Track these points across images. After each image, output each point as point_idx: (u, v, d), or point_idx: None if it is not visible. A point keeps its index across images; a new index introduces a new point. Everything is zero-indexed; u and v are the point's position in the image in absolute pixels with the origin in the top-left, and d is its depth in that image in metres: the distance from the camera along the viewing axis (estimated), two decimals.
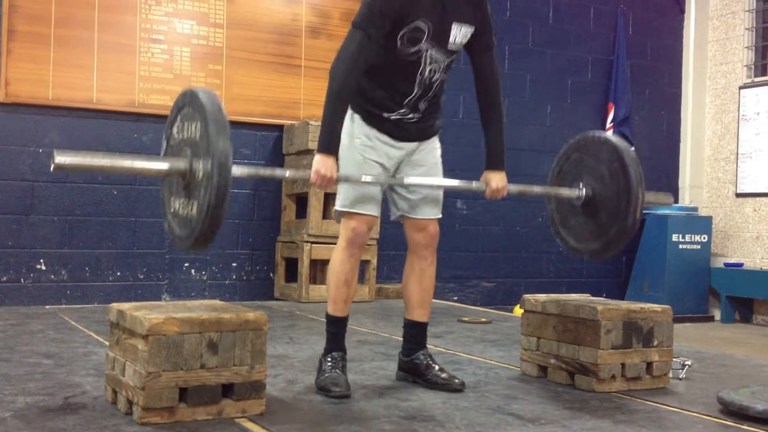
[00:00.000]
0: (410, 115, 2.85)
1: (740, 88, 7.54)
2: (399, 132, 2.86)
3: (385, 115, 2.83)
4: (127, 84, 5.52)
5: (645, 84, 7.70)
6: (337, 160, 2.68)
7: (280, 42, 6.02)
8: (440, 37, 2.76)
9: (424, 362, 2.97)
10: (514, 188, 3.02)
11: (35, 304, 5.24)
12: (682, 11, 7.87)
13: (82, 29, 5.38)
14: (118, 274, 5.52)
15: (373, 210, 2.86)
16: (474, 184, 2.96)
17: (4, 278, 5.21)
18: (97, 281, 5.46)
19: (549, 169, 7.34)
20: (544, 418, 2.55)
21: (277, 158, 5.99)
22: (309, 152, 5.61)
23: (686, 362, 3.27)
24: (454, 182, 3.04)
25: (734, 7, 7.64)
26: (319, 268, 5.77)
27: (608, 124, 7.36)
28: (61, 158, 2.24)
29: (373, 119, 2.84)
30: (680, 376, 3.21)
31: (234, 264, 5.87)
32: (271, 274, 6.01)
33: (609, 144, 2.99)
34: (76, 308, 5.15)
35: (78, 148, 5.39)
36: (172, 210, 2.50)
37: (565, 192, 3.04)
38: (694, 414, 2.66)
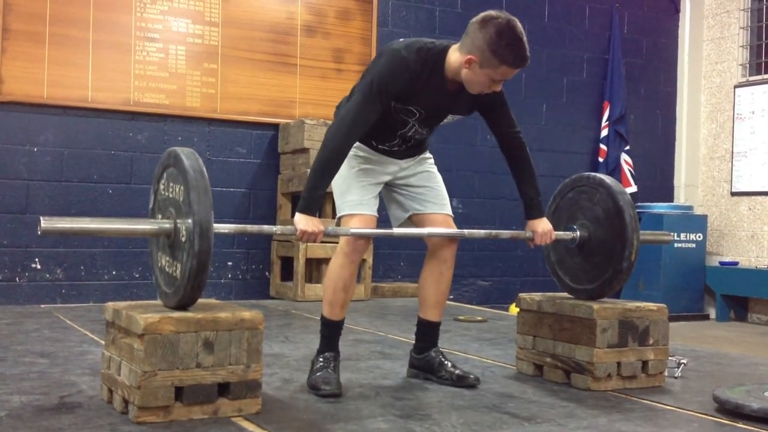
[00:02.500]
0: (395, 148, 2.94)
1: (735, 87, 7.55)
2: (389, 153, 2.94)
3: (374, 143, 2.92)
4: (122, 82, 5.51)
5: (640, 83, 7.72)
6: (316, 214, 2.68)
7: (276, 40, 6.02)
8: (430, 122, 2.88)
9: (437, 359, 3.02)
10: (507, 233, 3.17)
11: (30, 303, 5.23)
12: (677, 10, 7.88)
13: (77, 28, 5.37)
14: (114, 273, 5.51)
15: (371, 210, 2.89)
16: (521, 234, 3.04)
17: None
18: (93, 280, 5.45)
19: (544, 168, 7.38)
20: (540, 416, 2.55)
21: (272, 157, 5.99)
22: (304, 151, 5.61)
23: (682, 361, 3.27)
24: (504, 233, 3.21)
25: (729, 6, 7.65)
26: (314, 266, 5.77)
27: (603, 123, 7.37)
28: (48, 224, 2.25)
29: (363, 143, 2.92)
30: (676, 375, 3.21)
31: (229, 263, 5.86)
32: (267, 273, 6.00)
33: (604, 186, 3.06)
34: (71, 307, 5.14)
35: (73, 147, 5.40)
36: (159, 265, 2.57)
37: (560, 234, 3.10)
38: (690, 412, 2.67)
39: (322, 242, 2.70)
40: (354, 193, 2.87)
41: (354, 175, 2.89)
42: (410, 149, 2.96)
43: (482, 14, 2.67)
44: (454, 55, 2.72)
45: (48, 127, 5.34)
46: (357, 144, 2.88)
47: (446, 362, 3.01)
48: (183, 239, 2.34)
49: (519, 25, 2.66)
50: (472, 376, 2.96)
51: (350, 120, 2.68)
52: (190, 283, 2.33)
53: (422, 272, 3.04)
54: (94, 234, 2.62)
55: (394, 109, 2.77)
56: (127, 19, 5.53)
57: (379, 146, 2.91)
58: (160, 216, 2.54)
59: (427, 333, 3.06)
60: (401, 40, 2.82)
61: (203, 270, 2.31)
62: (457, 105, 2.85)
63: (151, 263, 2.66)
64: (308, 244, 5.58)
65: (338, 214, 2.91)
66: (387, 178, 2.97)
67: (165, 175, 2.51)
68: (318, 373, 2.80)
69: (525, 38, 2.65)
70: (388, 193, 3.05)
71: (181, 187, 2.37)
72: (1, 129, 5.22)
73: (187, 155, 2.39)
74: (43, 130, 5.33)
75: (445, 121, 2.92)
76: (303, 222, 2.60)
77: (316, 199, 2.64)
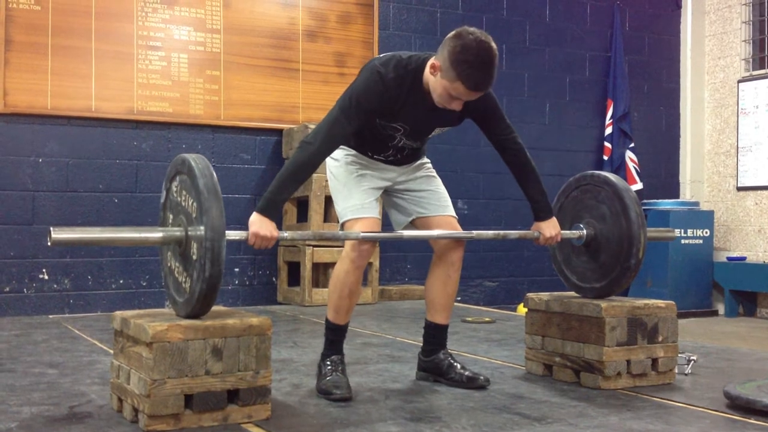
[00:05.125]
0: (391, 158, 2.94)
1: (738, 81, 7.53)
2: (386, 162, 2.95)
3: (369, 153, 2.93)
4: (125, 92, 5.52)
5: (643, 80, 7.70)
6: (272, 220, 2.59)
7: (278, 46, 6.02)
8: (417, 135, 2.87)
9: (446, 361, 3.02)
10: (515, 234, 3.18)
11: (38, 314, 5.24)
12: (679, 6, 7.87)
13: (80, 38, 5.39)
14: (121, 281, 5.52)
15: (375, 213, 2.89)
16: (528, 234, 3.04)
17: (7, 288, 5.21)
18: (100, 289, 5.46)
19: (548, 168, 7.38)
20: (550, 416, 2.54)
21: (277, 162, 5.99)
22: None
23: (691, 357, 3.26)
24: (512, 233, 3.20)
25: (731, 1, 7.63)
26: (321, 271, 5.77)
27: (607, 121, 7.36)
28: (58, 235, 2.25)
29: (360, 153, 2.93)
30: (686, 372, 3.21)
31: (236, 269, 5.86)
32: (274, 279, 6.01)
33: (609, 184, 3.06)
34: (79, 317, 5.15)
35: (78, 157, 5.41)
36: (169, 266, 2.57)
37: (566, 234, 3.10)
38: (701, 409, 2.66)
39: (330, 246, 2.69)
40: (355, 198, 2.86)
41: (354, 180, 2.89)
42: (407, 158, 2.97)
43: (463, 27, 2.62)
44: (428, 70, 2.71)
45: (52, 137, 5.35)
46: (354, 153, 2.91)
47: (455, 364, 3.01)
48: (194, 257, 2.34)
49: (493, 50, 2.56)
50: (482, 377, 2.96)
51: (325, 131, 2.66)
52: (200, 303, 2.35)
53: (429, 275, 3.04)
54: (104, 244, 2.62)
55: (380, 125, 2.78)
56: (129, 28, 5.55)
57: (375, 156, 2.92)
58: (171, 216, 2.53)
59: (436, 336, 3.06)
60: (381, 56, 2.81)
61: (213, 292, 2.33)
62: (441, 117, 2.82)
63: (160, 263, 2.66)
64: (314, 249, 5.65)
65: (341, 221, 2.90)
66: (386, 184, 2.98)
67: (178, 179, 2.49)
68: (327, 378, 2.80)
69: (492, 65, 2.56)
70: (389, 199, 3.06)
71: (194, 203, 2.35)
72: (6, 140, 5.24)
73: (201, 171, 2.34)
74: (47, 140, 5.34)
75: (434, 133, 2.90)
76: (258, 224, 2.52)
77: (279, 203, 2.60)
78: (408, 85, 2.71)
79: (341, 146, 2.90)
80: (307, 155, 2.63)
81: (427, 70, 2.69)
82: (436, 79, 2.64)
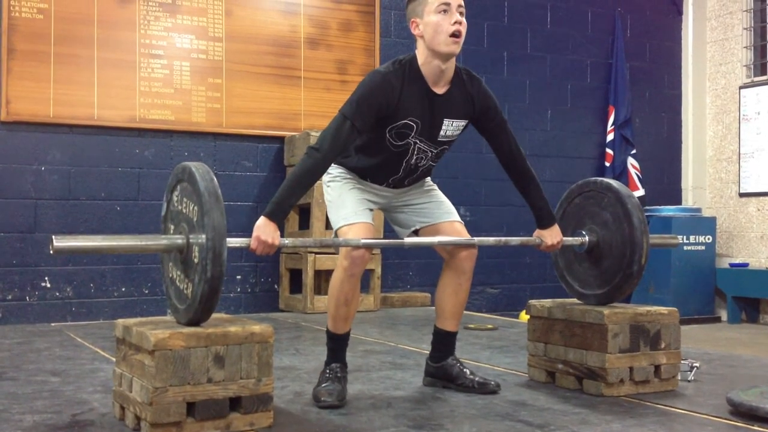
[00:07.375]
0: (392, 184, 2.97)
1: (740, 87, 7.54)
2: (387, 186, 2.97)
3: (368, 180, 2.95)
4: (127, 100, 5.53)
5: (645, 86, 7.71)
6: (278, 226, 2.61)
7: (279, 54, 6.04)
8: (429, 132, 2.86)
9: (456, 367, 3.03)
10: (516, 240, 3.16)
11: (41, 322, 5.24)
12: (680, 13, 7.88)
13: (82, 46, 5.40)
14: (123, 289, 5.52)
15: (368, 219, 2.89)
16: (530, 240, 3.06)
17: (9, 296, 5.21)
18: (102, 297, 5.46)
19: (550, 174, 7.35)
20: (553, 424, 2.54)
21: (279, 170, 6.00)
22: None
23: (694, 364, 3.26)
24: (514, 240, 3.19)
25: (732, 8, 7.64)
26: (323, 278, 5.76)
27: (609, 127, 7.36)
28: (60, 243, 2.26)
29: (360, 178, 2.95)
30: (689, 378, 3.20)
31: (238, 276, 5.87)
32: (276, 286, 6.01)
33: (611, 191, 3.05)
34: (81, 325, 5.15)
35: (80, 165, 5.42)
36: (170, 276, 2.57)
37: (569, 240, 3.10)
38: (704, 416, 2.65)
39: (332, 253, 2.70)
40: (348, 206, 2.87)
41: (348, 190, 2.91)
42: (412, 180, 2.99)
43: None
44: (419, 51, 2.81)
45: (55, 145, 5.36)
46: (353, 176, 2.93)
47: (465, 369, 3.02)
48: (195, 261, 2.34)
49: None
50: (493, 382, 2.98)
51: (332, 136, 2.68)
52: (202, 306, 2.35)
53: (440, 283, 3.04)
54: (106, 252, 2.63)
55: (391, 136, 2.79)
56: (131, 37, 5.56)
57: (374, 183, 2.95)
58: (172, 226, 2.55)
59: (445, 342, 3.07)
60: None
61: (215, 294, 2.33)
62: (450, 108, 2.84)
63: (161, 272, 2.67)
64: (316, 256, 5.64)
65: (334, 229, 2.91)
66: (382, 201, 2.99)
67: (179, 187, 2.51)
68: (322, 384, 2.82)
69: None
70: (390, 214, 3.08)
71: (195, 207, 2.36)
72: (9, 149, 5.25)
73: (202, 175, 2.37)
74: (50, 148, 5.35)
75: (447, 132, 2.88)
76: (261, 229, 2.55)
77: (285, 208, 2.62)
78: (408, 76, 2.78)
79: (339, 165, 2.92)
80: (314, 160, 2.65)
81: (418, 54, 2.80)
82: (424, 30, 2.77)
